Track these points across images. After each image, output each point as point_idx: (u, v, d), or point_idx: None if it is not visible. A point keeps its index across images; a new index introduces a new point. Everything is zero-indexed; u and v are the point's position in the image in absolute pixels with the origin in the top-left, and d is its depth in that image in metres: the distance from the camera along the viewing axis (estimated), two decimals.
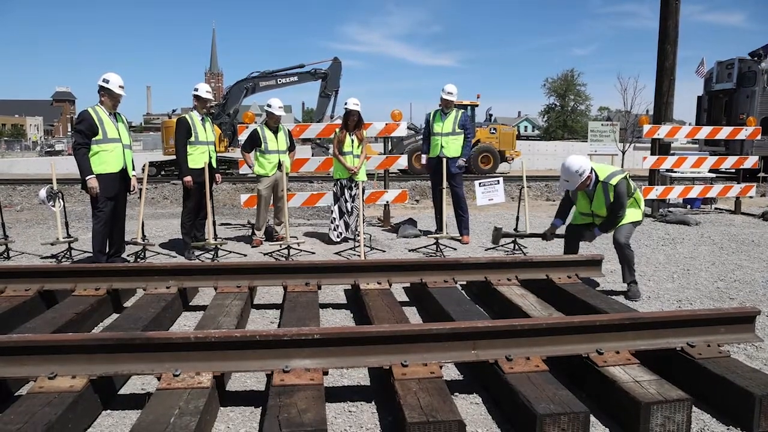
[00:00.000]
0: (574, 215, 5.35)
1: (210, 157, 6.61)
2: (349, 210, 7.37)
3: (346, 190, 7.30)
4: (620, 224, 4.92)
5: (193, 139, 6.48)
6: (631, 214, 4.96)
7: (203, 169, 6.41)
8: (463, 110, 7.72)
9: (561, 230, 5.43)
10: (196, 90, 6.67)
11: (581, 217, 5.24)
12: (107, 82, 5.64)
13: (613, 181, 4.75)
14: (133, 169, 5.99)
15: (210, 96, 6.82)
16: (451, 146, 7.24)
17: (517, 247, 6.70)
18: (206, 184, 6.43)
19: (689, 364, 3.07)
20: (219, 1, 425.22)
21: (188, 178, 6.41)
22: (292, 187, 12.80)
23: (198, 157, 6.48)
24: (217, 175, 6.80)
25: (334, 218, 7.38)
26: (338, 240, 7.32)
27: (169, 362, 2.78)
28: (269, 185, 7.14)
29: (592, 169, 4.84)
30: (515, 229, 6.78)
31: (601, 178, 4.82)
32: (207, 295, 4.86)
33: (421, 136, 8.00)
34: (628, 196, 4.87)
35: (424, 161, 7.90)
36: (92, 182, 5.51)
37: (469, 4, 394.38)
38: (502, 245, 7.04)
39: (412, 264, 4.82)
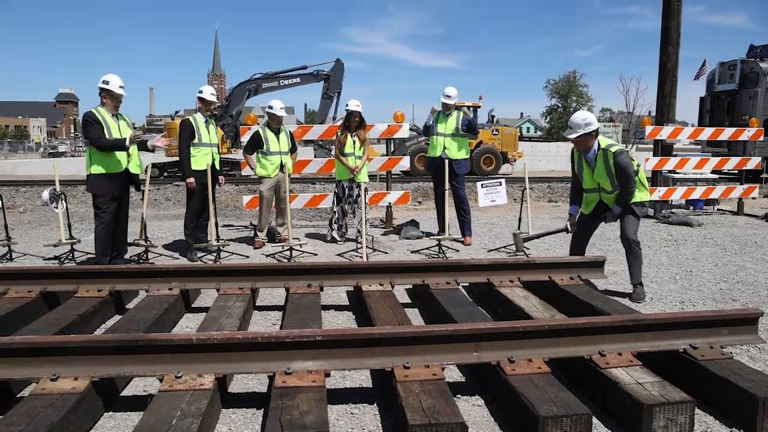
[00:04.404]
0: (584, 203, 5.32)
1: (213, 159, 6.63)
2: (350, 211, 7.40)
3: (347, 191, 7.32)
4: (625, 217, 4.95)
5: (196, 140, 6.51)
6: (638, 195, 4.98)
7: (206, 170, 6.43)
8: (462, 112, 7.60)
9: None
10: (201, 92, 6.69)
11: (591, 198, 5.21)
12: (107, 83, 5.67)
13: (613, 149, 4.85)
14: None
15: (214, 98, 6.85)
16: (453, 147, 7.24)
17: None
18: (209, 185, 6.44)
19: (692, 366, 3.07)
20: (222, 3, 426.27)
21: (191, 180, 6.42)
22: (295, 189, 12.80)
23: (201, 159, 6.50)
24: (220, 176, 6.81)
25: (337, 219, 7.42)
26: (340, 240, 7.34)
27: (171, 364, 2.78)
28: (271, 186, 7.15)
29: (597, 130, 4.95)
30: (517, 228, 6.77)
31: (602, 146, 4.93)
32: (209, 297, 4.86)
33: (423, 138, 7.95)
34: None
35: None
36: (131, 140, 5.64)
37: (470, 6, 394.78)
38: (503, 246, 7.04)
39: (415, 265, 4.81)
